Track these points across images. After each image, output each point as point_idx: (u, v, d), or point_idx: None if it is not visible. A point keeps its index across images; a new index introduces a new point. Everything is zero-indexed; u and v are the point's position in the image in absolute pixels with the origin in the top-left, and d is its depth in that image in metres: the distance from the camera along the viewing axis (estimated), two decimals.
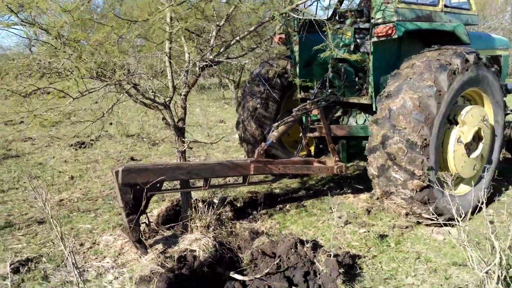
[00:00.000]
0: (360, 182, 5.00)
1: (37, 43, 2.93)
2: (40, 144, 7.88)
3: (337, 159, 4.49)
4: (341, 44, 4.91)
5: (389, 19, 4.00)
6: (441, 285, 2.83)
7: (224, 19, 3.76)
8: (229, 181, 5.02)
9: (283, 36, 4.97)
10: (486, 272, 2.52)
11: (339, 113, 5.14)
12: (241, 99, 5.51)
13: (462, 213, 3.00)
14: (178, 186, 3.91)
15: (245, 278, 2.95)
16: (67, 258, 3.10)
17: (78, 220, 4.19)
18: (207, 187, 3.77)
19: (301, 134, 4.75)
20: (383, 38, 4.01)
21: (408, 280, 2.93)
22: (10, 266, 3.08)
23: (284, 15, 3.66)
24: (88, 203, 4.65)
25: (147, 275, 2.85)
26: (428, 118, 3.56)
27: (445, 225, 3.27)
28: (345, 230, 3.77)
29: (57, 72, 2.90)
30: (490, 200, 4.22)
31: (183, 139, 3.60)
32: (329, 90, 4.76)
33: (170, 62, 3.46)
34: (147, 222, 3.59)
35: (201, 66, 3.76)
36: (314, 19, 3.81)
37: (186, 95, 3.68)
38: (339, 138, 4.68)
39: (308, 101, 4.56)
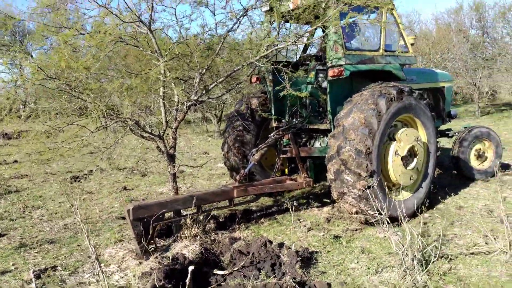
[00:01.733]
0: (325, 197, 5.88)
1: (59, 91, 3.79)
2: (36, 181, 8.51)
3: (305, 175, 5.49)
4: (306, 82, 5.96)
5: (339, 63, 5.04)
6: (373, 265, 3.67)
7: (205, 69, 4.71)
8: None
9: (258, 76, 5.99)
10: (404, 253, 3.38)
11: (306, 138, 6.12)
12: (224, 133, 6.46)
13: (403, 215, 3.88)
14: None
15: (226, 272, 3.72)
16: (88, 260, 3.81)
17: (83, 238, 4.89)
18: (199, 213, 4.64)
19: (277, 159, 5.72)
20: (335, 78, 5.04)
21: (351, 265, 3.77)
22: (33, 273, 3.77)
23: (251, 64, 4.63)
24: (90, 225, 5.34)
25: (147, 271, 3.61)
26: (371, 132, 4.55)
27: (388, 222, 4.11)
28: (308, 234, 4.60)
29: (79, 113, 3.76)
30: (428, 207, 5.17)
31: (174, 164, 4.44)
32: (298, 119, 5.82)
33: (163, 103, 4.36)
34: (154, 247, 4.33)
35: (187, 105, 4.68)
36: (274, 66, 4.80)
37: (176, 128, 4.57)
38: (307, 158, 5.69)
39: (280, 128, 5.59)
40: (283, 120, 5.96)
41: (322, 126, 5.63)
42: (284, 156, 5.66)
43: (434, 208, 5.29)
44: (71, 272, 3.97)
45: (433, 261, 3.50)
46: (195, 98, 4.69)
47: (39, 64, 3.46)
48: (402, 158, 4.91)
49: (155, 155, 10.94)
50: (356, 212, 4.58)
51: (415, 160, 5.05)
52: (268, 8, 5.46)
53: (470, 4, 18.53)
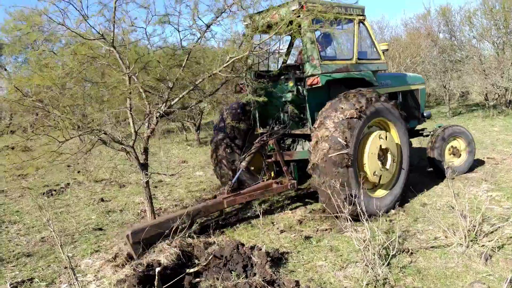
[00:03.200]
0: (307, 198, 6.22)
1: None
2: (13, 196, 8.44)
3: (290, 178, 5.82)
4: (287, 89, 6.25)
5: (315, 72, 5.39)
6: (339, 261, 3.89)
7: (173, 82, 4.88)
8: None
9: (243, 86, 6.29)
10: (366, 248, 3.60)
11: (289, 142, 6.45)
12: (212, 141, 6.75)
13: (364, 212, 4.09)
14: None
15: (199, 268, 3.87)
16: (65, 271, 3.91)
17: (60, 251, 4.94)
18: (192, 226, 4.83)
19: (263, 164, 6.15)
20: (312, 87, 5.34)
21: (319, 263, 3.97)
22: (9, 286, 3.84)
23: (214, 75, 4.83)
24: (67, 238, 5.40)
25: (123, 278, 3.72)
26: (350, 124, 4.96)
27: (351, 220, 4.30)
28: (280, 236, 4.79)
29: (49, 126, 3.89)
30: (399, 205, 5.46)
31: (146, 173, 4.58)
32: (280, 126, 6.20)
33: (131, 114, 4.50)
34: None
35: (157, 116, 4.85)
36: (245, 77, 5.08)
37: (148, 137, 4.72)
38: (290, 162, 6.03)
39: (265, 134, 5.96)
40: (267, 127, 6.31)
41: (304, 131, 5.98)
42: (269, 160, 6.07)
43: (400, 206, 5.56)
44: (48, 283, 4.04)
45: (394, 255, 3.73)
46: (164, 109, 4.88)
47: (16, 84, 3.56)
48: (378, 158, 5.24)
49: (133, 166, 10.98)
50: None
51: (389, 160, 5.41)
52: (248, 22, 5.81)
53: (437, 9, 19.22)
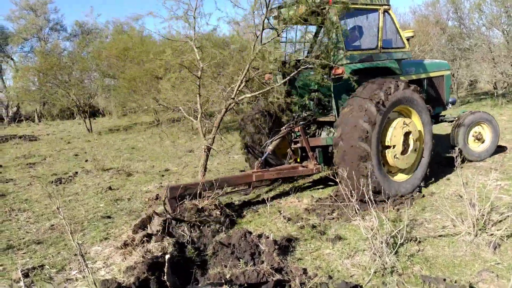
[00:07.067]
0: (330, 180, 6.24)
1: None
2: (21, 184, 8.53)
3: (315, 162, 6.02)
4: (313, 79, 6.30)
5: (340, 62, 5.49)
6: (347, 250, 3.89)
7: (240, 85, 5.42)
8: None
9: (270, 75, 6.56)
10: (373, 237, 3.60)
11: (314, 129, 6.61)
12: (240, 125, 7.14)
13: (372, 200, 4.08)
14: None
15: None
16: (75, 258, 3.97)
17: (69, 238, 5.00)
18: (223, 194, 5.39)
19: (289, 149, 6.42)
20: (337, 76, 5.44)
21: (327, 251, 3.98)
22: (21, 272, 3.89)
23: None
24: (76, 226, 5.45)
25: (132, 265, 3.76)
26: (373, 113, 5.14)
27: (358, 209, 4.29)
28: (287, 225, 4.80)
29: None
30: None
31: (208, 145, 5.90)
32: (307, 113, 6.41)
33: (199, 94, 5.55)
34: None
35: (228, 103, 5.78)
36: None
37: (221, 119, 6.02)
38: (315, 147, 6.21)
39: (291, 121, 6.23)
40: (293, 114, 6.47)
41: (328, 119, 6.14)
42: (296, 146, 6.36)
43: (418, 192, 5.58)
44: (59, 270, 4.10)
45: (402, 244, 3.72)
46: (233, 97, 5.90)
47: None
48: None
49: (140, 155, 11.04)
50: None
51: (411, 146, 5.54)
52: (276, 14, 6.03)
53: None
